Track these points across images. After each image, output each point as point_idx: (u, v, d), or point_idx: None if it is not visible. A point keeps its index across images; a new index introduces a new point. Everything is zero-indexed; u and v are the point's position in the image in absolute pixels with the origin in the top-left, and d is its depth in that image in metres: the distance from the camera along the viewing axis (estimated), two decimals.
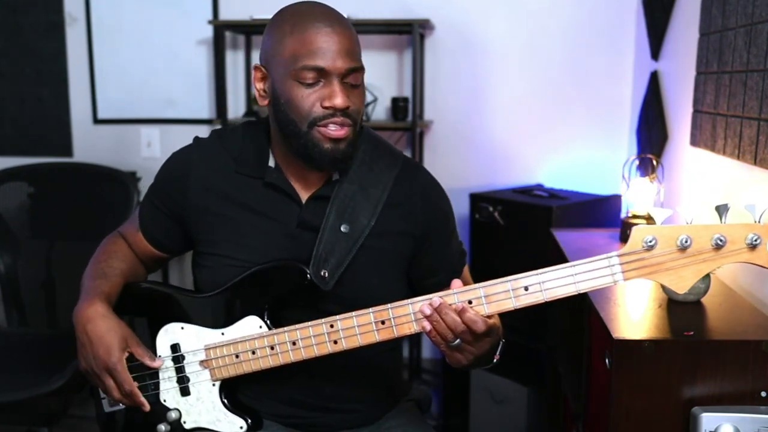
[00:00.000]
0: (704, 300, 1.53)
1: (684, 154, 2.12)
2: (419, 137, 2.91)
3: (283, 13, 1.25)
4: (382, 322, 1.15)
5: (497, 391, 2.55)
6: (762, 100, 1.57)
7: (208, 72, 3.09)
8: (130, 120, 3.15)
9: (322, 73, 1.20)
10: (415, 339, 2.92)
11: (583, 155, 2.89)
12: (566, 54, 2.87)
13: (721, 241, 1.00)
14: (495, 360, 1.21)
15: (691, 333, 1.35)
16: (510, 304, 1.10)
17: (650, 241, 1.02)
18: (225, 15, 3.02)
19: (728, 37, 1.77)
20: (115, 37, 3.09)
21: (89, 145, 3.17)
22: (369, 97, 2.88)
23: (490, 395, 2.57)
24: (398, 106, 2.85)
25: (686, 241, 1.01)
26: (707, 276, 1.50)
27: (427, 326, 1.12)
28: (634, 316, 1.48)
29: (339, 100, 1.20)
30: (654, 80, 2.46)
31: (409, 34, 2.77)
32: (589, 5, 2.82)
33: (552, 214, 2.38)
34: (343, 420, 1.37)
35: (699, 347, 1.32)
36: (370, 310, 1.16)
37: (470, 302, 1.11)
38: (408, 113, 2.85)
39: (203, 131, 1.42)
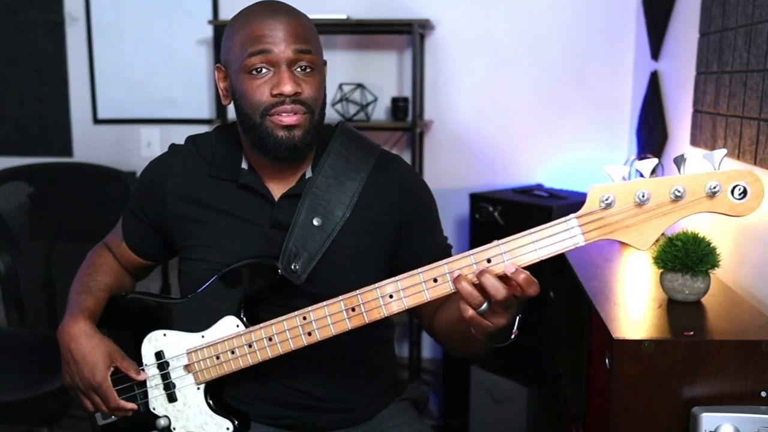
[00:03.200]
0: (704, 300, 1.53)
1: (684, 154, 2.11)
2: (419, 137, 2.91)
3: (235, 15, 1.27)
4: (353, 309, 1.14)
5: (497, 391, 2.55)
6: (762, 100, 1.57)
7: (208, 72, 3.09)
8: (130, 120, 3.15)
9: (270, 61, 1.20)
10: (415, 339, 2.92)
11: (583, 155, 2.89)
12: (566, 54, 2.87)
13: (679, 192, 0.98)
14: (513, 336, 1.14)
15: (691, 333, 1.35)
16: (474, 279, 1.07)
17: (607, 200, 1.00)
18: (225, 15, 3.02)
19: (728, 37, 1.77)
20: (115, 37, 3.09)
21: (89, 145, 3.17)
22: (369, 97, 2.89)
23: (490, 395, 2.58)
24: (398, 106, 2.85)
25: (644, 196, 0.99)
26: (707, 275, 1.50)
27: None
28: (634, 316, 1.48)
29: (286, 87, 1.19)
30: (654, 80, 2.46)
31: (409, 34, 2.77)
32: (589, 5, 2.82)
33: (552, 214, 2.38)
34: (336, 420, 1.37)
35: (699, 347, 1.32)
36: (340, 297, 1.15)
37: (435, 280, 1.09)
38: (408, 113, 2.85)
39: (203, 131, 1.43)
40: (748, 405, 1.29)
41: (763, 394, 1.30)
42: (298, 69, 1.22)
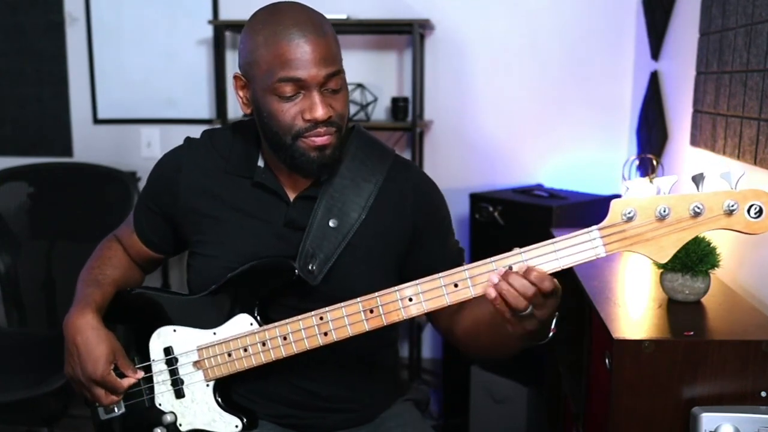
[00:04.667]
0: (704, 300, 1.53)
1: (684, 154, 2.12)
2: (419, 137, 2.91)
3: (255, 21, 1.22)
4: (371, 311, 1.15)
5: (497, 391, 2.55)
6: (762, 100, 1.57)
7: (208, 72, 3.09)
8: (130, 120, 3.15)
9: (301, 85, 1.18)
10: (415, 339, 2.92)
11: (583, 155, 2.89)
12: (566, 54, 2.87)
13: (698, 209, 1.01)
14: (551, 333, 1.16)
15: (691, 333, 1.35)
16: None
17: (629, 213, 1.03)
18: (225, 15, 3.02)
19: (728, 37, 1.77)
20: (115, 37, 3.09)
21: (89, 145, 3.17)
22: (369, 97, 2.88)
23: (490, 395, 2.58)
24: (398, 106, 2.85)
25: (664, 211, 1.02)
26: (707, 275, 1.50)
27: (492, 293, 1.06)
28: (634, 316, 1.48)
29: (320, 112, 1.18)
30: (654, 80, 2.46)
31: (409, 34, 2.77)
32: (589, 5, 2.82)
33: (552, 214, 2.38)
34: (340, 420, 1.37)
35: (699, 347, 1.32)
36: (359, 299, 1.16)
37: (456, 285, 1.10)
38: (408, 113, 2.85)
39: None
40: (748, 405, 1.29)
41: (763, 394, 1.30)
42: (329, 88, 1.20)
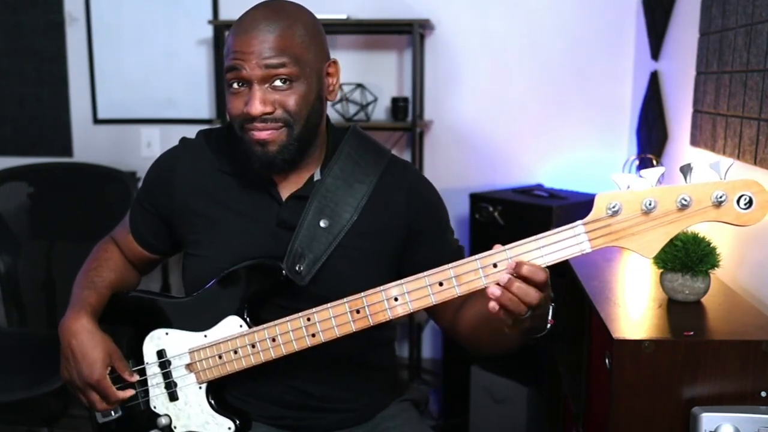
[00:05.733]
0: (704, 300, 1.53)
1: (684, 154, 2.12)
2: (419, 137, 2.91)
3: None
4: (357, 312, 1.14)
5: (497, 391, 2.55)
6: (762, 100, 1.57)
7: (208, 72, 3.09)
8: (130, 120, 3.15)
9: (242, 78, 1.19)
10: (415, 339, 2.92)
11: (583, 155, 2.89)
12: (566, 54, 2.87)
13: (685, 201, 0.99)
14: (549, 325, 1.15)
15: (691, 333, 1.35)
16: (480, 283, 1.07)
17: (614, 207, 1.01)
18: (225, 15, 3.02)
19: (728, 37, 1.77)
20: (115, 37, 3.09)
21: (89, 145, 3.17)
22: (369, 97, 2.88)
23: (490, 395, 2.57)
24: (398, 106, 2.85)
25: (650, 204, 0.99)
26: (707, 275, 1.50)
27: (497, 292, 1.03)
28: (634, 316, 1.48)
29: (251, 108, 1.18)
30: (654, 80, 2.46)
31: (409, 34, 2.77)
32: (589, 5, 2.82)
33: (552, 214, 2.38)
34: (337, 420, 1.37)
35: (699, 347, 1.32)
36: (345, 300, 1.15)
37: (441, 284, 1.09)
38: (408, 113, 2.85)
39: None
40: (748, 405, 1.29)
41: (763, 394, 1.30)
42: (277, 82, 1.19)
